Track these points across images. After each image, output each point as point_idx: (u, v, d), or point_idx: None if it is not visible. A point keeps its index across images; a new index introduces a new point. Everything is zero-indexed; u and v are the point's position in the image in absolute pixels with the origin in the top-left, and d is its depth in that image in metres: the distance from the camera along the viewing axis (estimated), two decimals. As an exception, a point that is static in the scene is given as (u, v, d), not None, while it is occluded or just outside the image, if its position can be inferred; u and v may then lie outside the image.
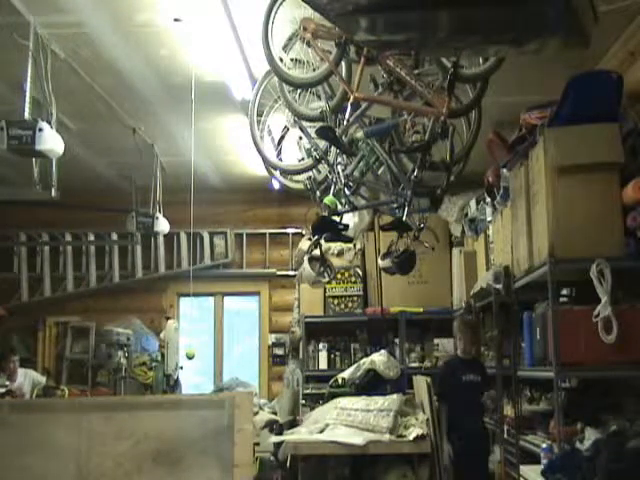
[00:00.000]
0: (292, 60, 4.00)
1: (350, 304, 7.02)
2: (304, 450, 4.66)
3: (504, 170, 4.62)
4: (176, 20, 4.19)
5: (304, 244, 6.62)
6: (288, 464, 4.81)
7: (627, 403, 3.79)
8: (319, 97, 4.17)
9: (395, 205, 4.28)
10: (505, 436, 4.63)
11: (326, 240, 4.77)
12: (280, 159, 4.72)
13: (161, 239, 7.90)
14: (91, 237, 8.03)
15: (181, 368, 7.28)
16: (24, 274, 7.98)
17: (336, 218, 4.17)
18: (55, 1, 4.00)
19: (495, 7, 2.03)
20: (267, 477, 5.55)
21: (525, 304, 4.33)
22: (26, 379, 6.67)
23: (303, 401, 6.39)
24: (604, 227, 3.61)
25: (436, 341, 6.92)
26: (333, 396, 5.40)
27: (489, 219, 5.34)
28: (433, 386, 4.94)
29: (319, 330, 7.04)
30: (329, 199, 4.13)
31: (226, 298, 8.34)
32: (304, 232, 7.58)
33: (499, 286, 4.53)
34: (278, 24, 3.74)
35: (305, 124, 4.33)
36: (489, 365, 5.23)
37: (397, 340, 6.92)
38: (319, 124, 3.92)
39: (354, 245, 6.98)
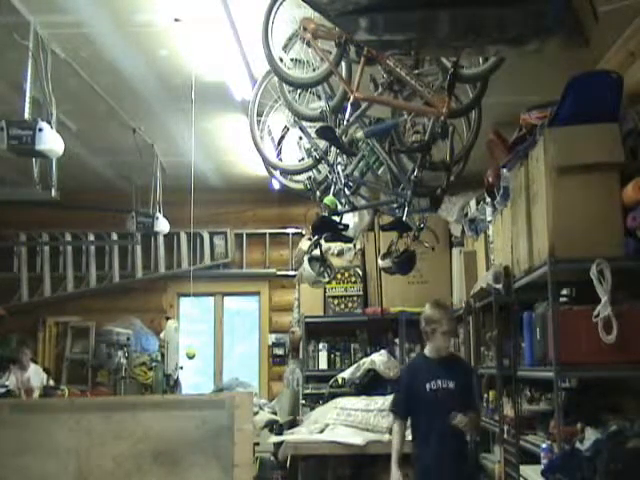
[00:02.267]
0: (292, 60, 4.00)
1: (350, 304, 7.02)
2: (304, 450, 4.67)
3: (504, 170, 4.62)
4: (176, 20, 4.19)
5: (304, 244, 6.62)
6: (288, 464, 4.81)
7: (627, 403, 3.79)
8: (319, 97, 4.17)
9: (395, 205, 4.29)
10: (505, 436, 4.62)
11: (326, 240, 4.77)
12: (280, 159, 4.72)
13: (161, 239, 7.90)
14: (91, 237, 8.03)
15: (181, 368, 7.29)
16: (24, 274, 7.99)
17: (336, 218, 4.17)
18: (55, 1, 4.00)
19: (495, 7, 2.03)
20: (267, 477, 5.55)
21: (525, 304, 4.32)
22: (36, 374, 6.75)
23: (303, 401, 6.39)
24: (604, 227, 3.61)
25: (436, 341, 6.91)
26: (333, 396, 5.41)
27: (489, 219, 5.34)
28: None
29: (319, 330, 7.04)
30: (329, 199, 4.13)
31: (226, 298, 8.34)
32: (304, 232, 7.59)
33: (499, 286, 4.53)
34: (278, 24, 3.74)
35: (305, 124, 4.33)
36: (489, 365, 5.21)
37: (397, 340, 6.92)
38: (319, 124, 3.92)
39: (354, 245, 6.97)
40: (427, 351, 4.28)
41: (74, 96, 5.10)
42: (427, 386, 4.09)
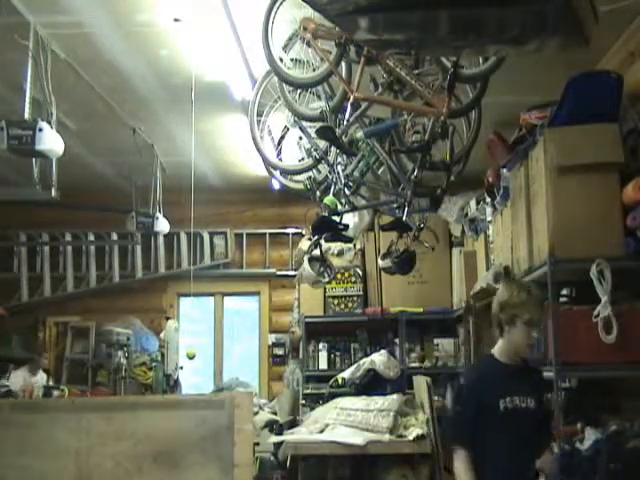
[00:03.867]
0: (292, 60, 4.01)
1: (350, 304, 7.02)
2: (304, 450, 4.66)
3: (504, 170, 4.62)
4: (176, 20, 4.19)
5: (304, 244, 6.62)
6: (288, 464, 4.80)
7: (627, 403, 3.79)
8: (319, 97, 4.17)
9: (395, 205, 4.29)
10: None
11: (326, 240, 4.77)
12: (280, 159, 4.73)
13: (161, 239, 7.90)
14: (91, 237, 8.03)
15: (181, 368, 7.28)
16: (24, 274, 7.98)
17: (336, 218, 4.17)
18: (55, 1, 4.00)
19: (495, 7, 2.03)
20: (267, 477, 5.54)
21: (525, 304, 4.32)
22: (41, 380, 6.78)
23: (303, 401, 6.39)
24: (604, 227, 3.61)
25: (436, 341, 6.92)
26: (333, 396, 5.40)
27: (489, 219, 5.34)
28: (433, 386, 4.92)
29: (319, 330, 7.04)
30: (329, 199, 4.13)
31: (226, 298, 8.34)
32: (304, 232, 7.58)
33: (499, 286, 4.53)
34: (278, 24, 3.74)
35: (305, 124, 4.33)
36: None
37: (397, 340, 6.92)
38: (319, 124, 3.93)
39: (354, 245, 6.98)
40: (498, 351, 3.05)
41: (74, 96, 5.10)
42: (501, 404, 2.92)
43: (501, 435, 2.92)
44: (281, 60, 3.87)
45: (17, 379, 6.60)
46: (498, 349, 3.05)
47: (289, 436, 4.96)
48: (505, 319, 2.99)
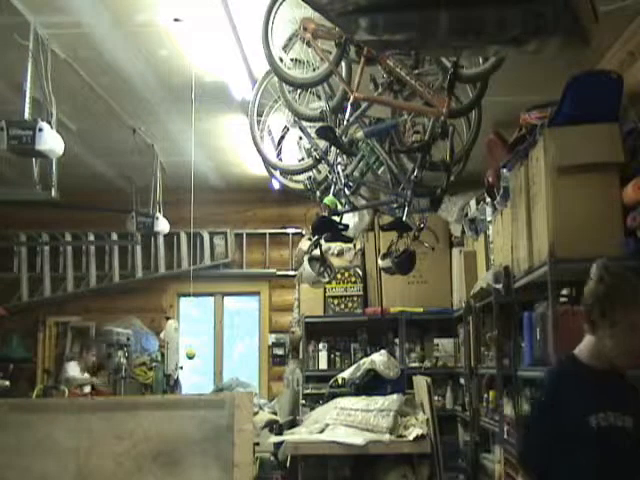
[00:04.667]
0: (292, 60, 4.01)
1: (350, 304, 7.02)
2: (304, 450, 4.66)
3: (504, 170, 4.62)
4: (176, 20, 4.19)
5: (304, 244, 6.63)
6: (288, 464, 4.81)
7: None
8: (319, 97, 4.17)
9: (395, 205, 4.29)
10: (505, 436, 4.63)
11: (326, 240, 4.77)
12: (280, 159, 4.73)
13: (161, 239, 7.90)
14: (91, 237, 8.03)
15: (181, 368, 7.28)
16: (24, 274, 7.98)
17: (336, 218, 4.17)
18: (55, 1, 4.00)
19: (495, 7, 2.03)
20: (267, 477, 5.55)
21: (525, 304, 4.33)
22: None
23: (303, 401, 6.39)
24: (604, 227, 3.61)
25: (436, 341, 6.93)
26: (333, 396, 5.40)
27: (489, 219, 5.34)
28: (433, 386, 4.92)
29: (319, 330, 7.04)
30: (329, 199, 4.13)
31: (226, 298, 8.34)
32: (304, 232, 7.59)
33: (499, 286, 4.53)
34: (278, 24, 3.75)
35: (305, 124, 4.33)
36: (489, 365, 5.21)
37: (397, 340, 6.92)
38: (319, 124, 3.93)
39: (354, 245, 6.98)
40: (585, 353, 2.43)
41: (74, 96, 5.10)
42: (592, 421, 2.30)
43: (590, 460, 2.30)
44: (281, 60, 3.87)
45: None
46: (586, 350, 2.41)
47: (289, 436, 4.96)
48: (603, 315, 2.38)
